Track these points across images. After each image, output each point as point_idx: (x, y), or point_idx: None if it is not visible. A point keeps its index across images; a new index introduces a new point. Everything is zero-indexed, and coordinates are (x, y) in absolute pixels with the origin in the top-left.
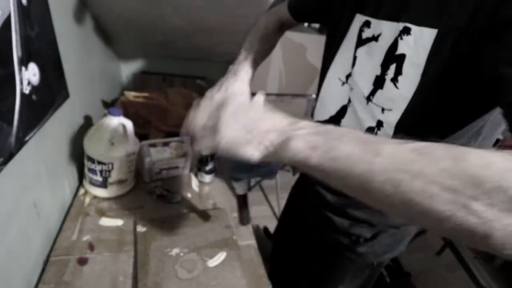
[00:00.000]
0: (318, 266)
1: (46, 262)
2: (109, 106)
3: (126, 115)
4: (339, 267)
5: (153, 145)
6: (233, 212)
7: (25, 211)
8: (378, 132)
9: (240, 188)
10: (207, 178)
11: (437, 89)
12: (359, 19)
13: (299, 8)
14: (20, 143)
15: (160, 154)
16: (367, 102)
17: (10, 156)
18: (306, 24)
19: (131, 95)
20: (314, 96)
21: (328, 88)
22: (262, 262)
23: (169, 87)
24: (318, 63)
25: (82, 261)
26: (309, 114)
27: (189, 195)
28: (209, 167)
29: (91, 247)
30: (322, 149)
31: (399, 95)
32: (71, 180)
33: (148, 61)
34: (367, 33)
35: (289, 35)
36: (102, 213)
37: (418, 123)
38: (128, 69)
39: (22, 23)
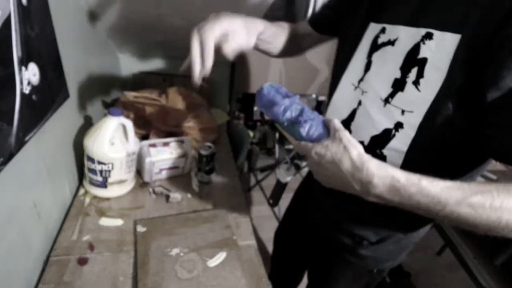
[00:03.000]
0: (317, 267)
1: (46, 262)
2: (109, 106)
3: (126, 115)
4: (336, 269)
5: (153, 145)
6: (233, 212)
7: (25, 211)
8: (397, 133)
9: (283, 176)
10: (207, 178)
11: (460, 94)
12: (373, 27)
13: (318, 19)
14: (20, 143)
15: (160, 154)
16: (385, 104)
17: (10, 156)
18: None
19: (131, 95)
20: (314, 96)
21: (341, 93)
22: (262, 262)
23: (169, 87)
24: (318, 63)
25: (82, 261)
26: None
27: (189, 195)
28: (209, 167)
29: (91, 247)
30: (397, 203)
31: (421, 97)
32: (71, 180)
33: (148, 61)
34: (382, 39)
35: None
36: (102, 213)
37: (440, 125)
38: (128, 69)
39: (22, 23)
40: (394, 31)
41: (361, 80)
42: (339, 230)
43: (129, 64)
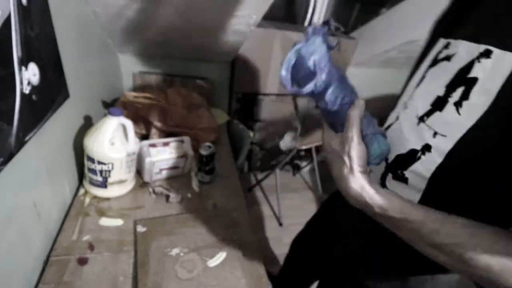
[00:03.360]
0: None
1: (46, 262)
2: (109, 106)
3: (126, 115)
4: None
5: (153, 145)
6: (233, 212)
7: (25, 211)
8: (423, 156)
9: (285, 143)
10: (207, 178)
11: (505, 123)
12: (440, 42)
13: None
14: (20, 143)
15: (160, 154)
16: (419, 123)
17: (10, 156)
18: (306, 24)
19: (131, 95)
20: None
21: (395, 110)
22: (262, 262)
23: (169, 87)
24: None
25: (82, 261)
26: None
27: (189, 195)
28: (209, 167)
29: (91, 247)
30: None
31: (459, 121)
32: (71, 180)
33: (148, 61)
34: (443, 54)
35: (289, 35)
36: (102, 213)
37: (473, 156)
38: (128, 69)
39: (22, 23)
40: (456, 46)
41: (411, 95)
42: (350, 242)
43: (129, 64)
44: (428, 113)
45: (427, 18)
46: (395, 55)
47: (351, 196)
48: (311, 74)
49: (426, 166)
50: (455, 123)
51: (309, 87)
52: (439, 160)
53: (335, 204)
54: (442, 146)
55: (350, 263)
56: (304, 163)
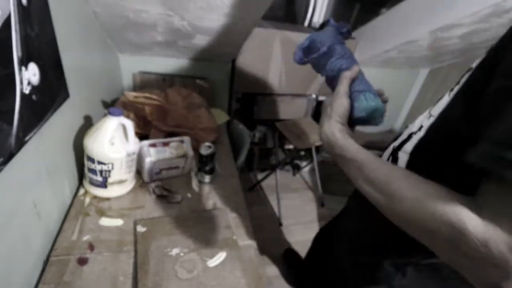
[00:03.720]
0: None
1: (46, 262)
2: (109, 106)
3: (126, 115)
4: None
5: (153, 145)
6: (233, 212)
7: (25, 211)
8: (414, 135)
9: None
10: (207, 178)
11: (468, 97)
12: None
13: None
14: (20, 143)
15: (160, 154)
16: (429, 113)
17: (10, 156)
18: (306, 24)
19: (131, 95)
20: (314, 96)
21: None
22: (262, 262)
23: (169, 87)
24: None
25: (82, 261)
26: (309, 114)
27: (189, 195)
28: (209, 167)
29: (91, 247)
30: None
31: (445, 102)
32: (71, 180)
33: (148, 61)
34: None
35: (289, 35)
36: (102, 213)
37: (447, 131)
38: (128, 69)
39: (22, 23)
40: None
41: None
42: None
43: (129, 64)
44: (435, 105)
45: (427, 18)
46: (395, 55)
47: (323, 138)
48: (318, 51)
49: (412, 143)
50: (443, 104)
51: (312, 56)
52: (421, 134)
53: (348, 212)
54: (428, 123)
55: (350, 264)
56: (304, 163)
